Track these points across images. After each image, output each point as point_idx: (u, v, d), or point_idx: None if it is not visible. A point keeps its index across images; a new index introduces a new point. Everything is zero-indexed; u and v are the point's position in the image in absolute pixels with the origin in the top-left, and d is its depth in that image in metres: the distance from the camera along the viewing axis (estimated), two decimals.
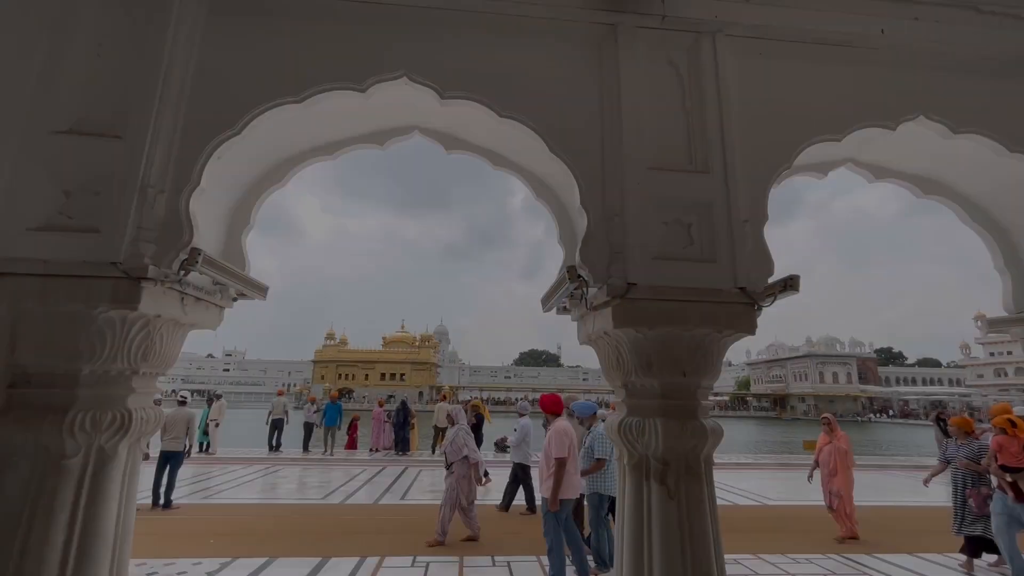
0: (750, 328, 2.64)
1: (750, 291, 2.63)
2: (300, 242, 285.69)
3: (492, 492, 9.54)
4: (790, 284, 2.64)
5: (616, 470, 5.45)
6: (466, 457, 6.25)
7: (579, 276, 2.64)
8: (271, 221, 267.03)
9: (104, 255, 2.33)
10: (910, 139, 3.32)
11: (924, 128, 3.10)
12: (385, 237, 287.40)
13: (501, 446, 14.42)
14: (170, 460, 7.60)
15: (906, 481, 12.52)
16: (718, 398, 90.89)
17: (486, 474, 9.78)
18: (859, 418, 70.30)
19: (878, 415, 71.85)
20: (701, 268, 2.65)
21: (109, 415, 2.37)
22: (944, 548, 6.39)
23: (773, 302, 2.69)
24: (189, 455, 8.21)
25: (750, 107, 2.95)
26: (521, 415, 9.01)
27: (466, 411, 14.05)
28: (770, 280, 2.71)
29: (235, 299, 3.20)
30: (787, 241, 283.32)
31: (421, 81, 2.79)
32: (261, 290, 3.21)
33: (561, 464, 4.63)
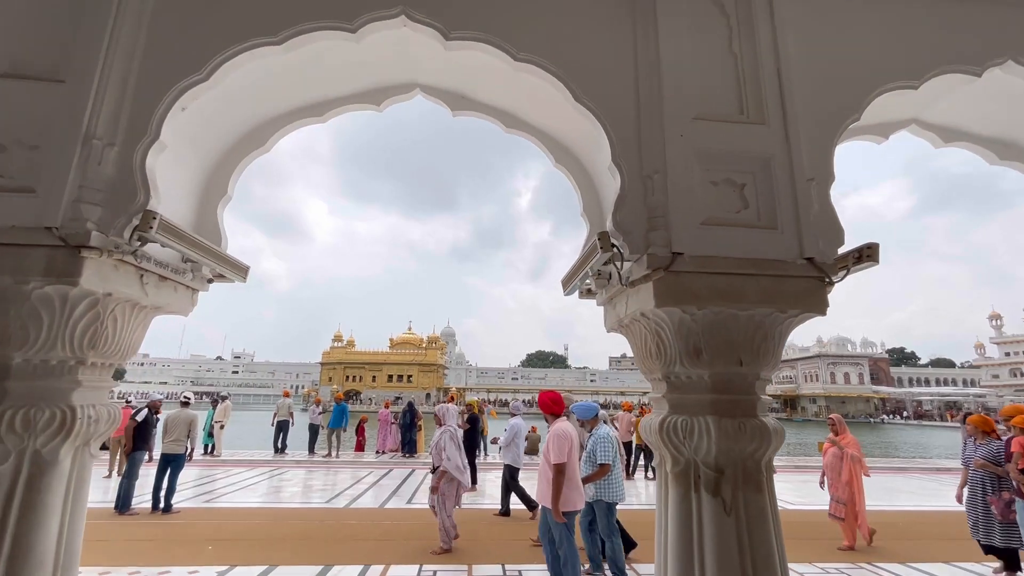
0: (820, 307, 2.19)
1: (819, 263, 2.18)
2: (308, 245, 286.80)
3: (486, 496, 9.14)
4: (868, 254, 2.18)
5: (621, 475, 4.93)
6: (442, 464, 5.84)
7: (612, 246, 2.18)
8: (279, 224, 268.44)
9: (38, 219, 1.92)
10: (986, 94, 2.86)
11: (1012, 76, 2.63)
12: (392, 239, 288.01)
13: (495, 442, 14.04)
14: (171, 463, 7.26)
15: (928, 484, 11.94)
16: None
17: (473, 481, 9.39)
18: (872, 419, 69.13)
19: (892, 416, 70.61)
20: (759, 236, 2.20)
21: (47, 413, 1.96)
22: (977, 556, 5.89)
23: (846, 276, 2.23)
24: (191, 458, 7.86)
25: (812, 50, 2.50)
26: (513, 415, 8.52)
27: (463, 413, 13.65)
28: (841, 250, 2.26)
29: (211, 280, 2.78)
30: None
31: (422, 19, 2.36)
32: (240, 270, 2.79)
33: (560, 471, 4.10)
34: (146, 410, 7.68)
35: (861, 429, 51.42)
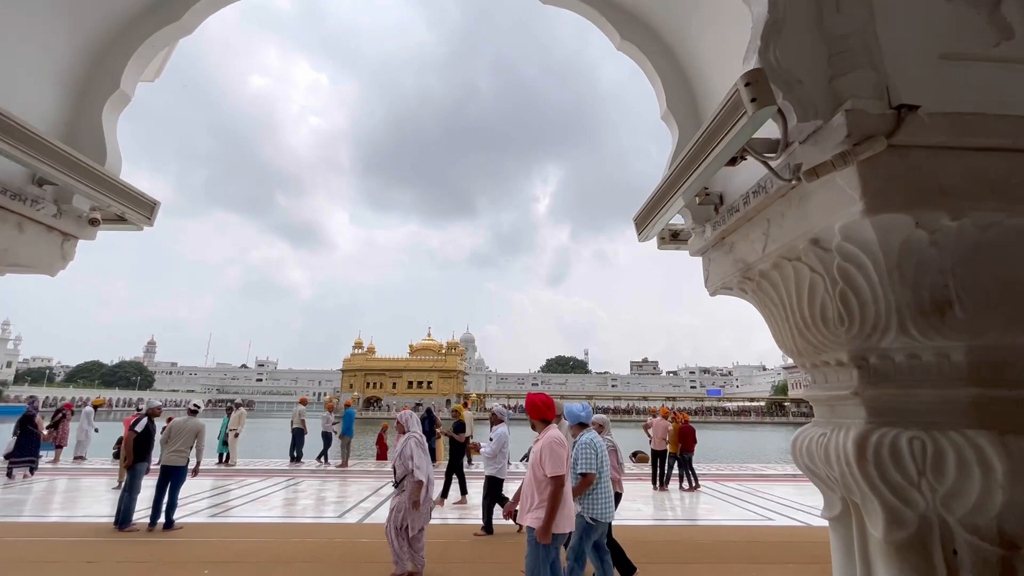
0: None
1: None
2: (331, 254, 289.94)
3: (474, 511, 8.12)
4: None
5: (609, 490, 3.97)
6: (414, 474, 4.91)
7: (770, 101, 1.13)
8: (303, 234, 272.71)
9: None
10: None
11: None
12: (412, 247, 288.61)
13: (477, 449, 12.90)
14: (170, 476, 6.39)
15: None
16: (754, 404, 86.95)
17: (444, 494, 8.39)
18: None
19: None
20: None
21: None
22: None
23: None
24: (196, 472, 6.98)
25: None
26: (498, 421, 7.46)
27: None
28: None
29: (95, 223, 1.80)
30: None
31: None
32: (141, 206, 1.81)
33: (559, 485, 3.42)
34: (145, 419, 6.84)
35: None
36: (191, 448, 6.73)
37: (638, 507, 8.46)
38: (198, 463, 6.87)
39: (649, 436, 11.25)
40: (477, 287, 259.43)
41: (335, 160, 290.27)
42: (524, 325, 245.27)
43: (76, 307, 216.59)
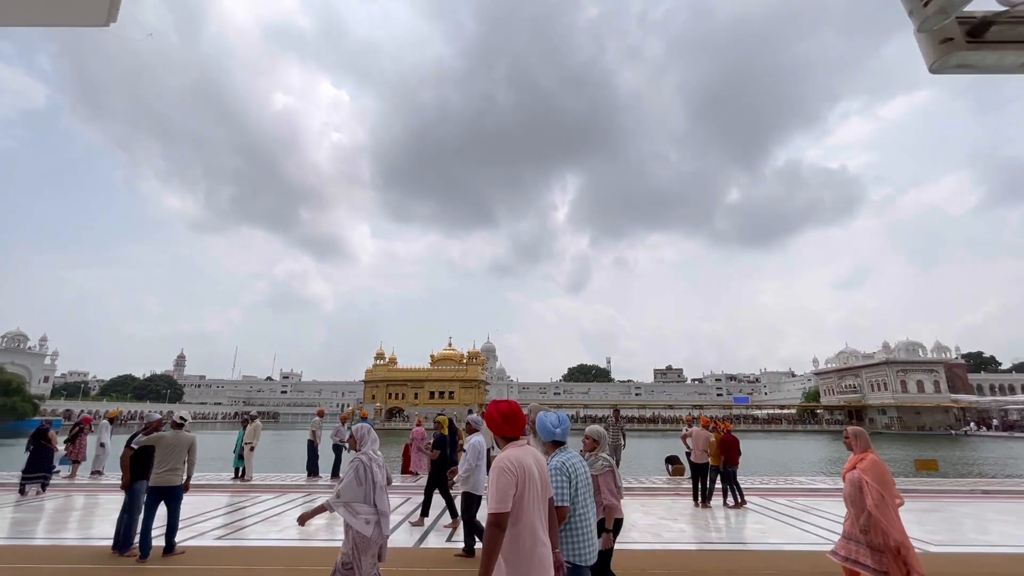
0: None
1: None
2: (353, 267, 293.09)
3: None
4: None
5: (592, 525, 3.17)
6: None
7: None
8: (326, 248, 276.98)
9: None
10: None
11: None
12: (432, 259, 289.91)
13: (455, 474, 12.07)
14: (165, 497, 5.88)
15: None
16: (785, 411, 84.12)
17: (424, 512, 7.81)
18: (954, 431, 62.83)
19: (976, 428, 63.90)
20: None
21: None
22: None
23: None
24: (187, 487, 6.49)
25: None
26: (472, 431, 6.75)
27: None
28: None
29: None
30: (848, 242, 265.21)
31: None
32: None
33: (493, 529, 2.41)
34: (142, 435, 6.36)
35: (941, 442, 46.20)
36: (183, 463, 6.23)
37: (680, 527, 7.68)
38: (188, 478, 6.34)
39: (688, 448, 10.46)
40: (497, 297, 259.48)
41: (356, 174, 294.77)
42: (545, 334, 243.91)
43: (111, 323, 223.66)
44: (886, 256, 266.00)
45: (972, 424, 65.20)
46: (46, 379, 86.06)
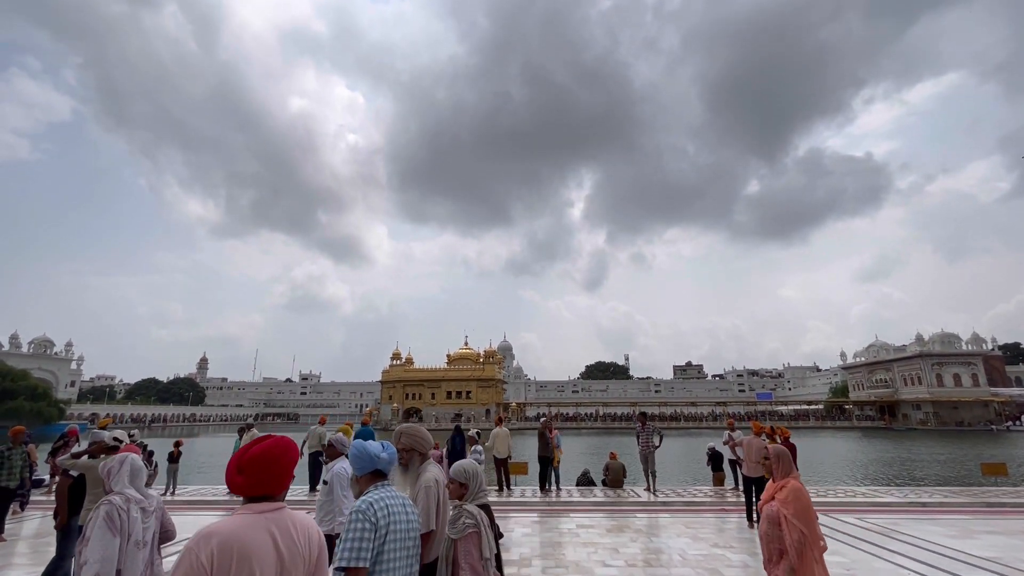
0: None
1: None
2: (370, 269, 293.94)
3: (512, 551, 6.11)
4: None
5: None
6: None
7: None
8: (344, 250, 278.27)
9: None
10: None
11: None
12: (448, 259, 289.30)
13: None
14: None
15: None
16: (812, 407, 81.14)
17: None
18: (995, 427, 59.69)
19: (1017, 423, 60.61)
20: None
21: None
22: None
23: None
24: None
25: None
26: (336, 455, 4.79)
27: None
28: None
29: None
30: (873, 232, 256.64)
31: None
32: None
33: None
34: (86, 458, 5.12)
35: (983, 439, 43.43)
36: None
37: (742, 559, 6.27)
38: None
39: (737, 457, 9.11)
40: (514, 295, 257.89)
41: (373, 176, 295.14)
42: (562, 331, 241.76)
43: (138, 328, 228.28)
44: (913, 246, 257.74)
45: (1009, 422, 61.82)
46: (72, 383, 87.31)
